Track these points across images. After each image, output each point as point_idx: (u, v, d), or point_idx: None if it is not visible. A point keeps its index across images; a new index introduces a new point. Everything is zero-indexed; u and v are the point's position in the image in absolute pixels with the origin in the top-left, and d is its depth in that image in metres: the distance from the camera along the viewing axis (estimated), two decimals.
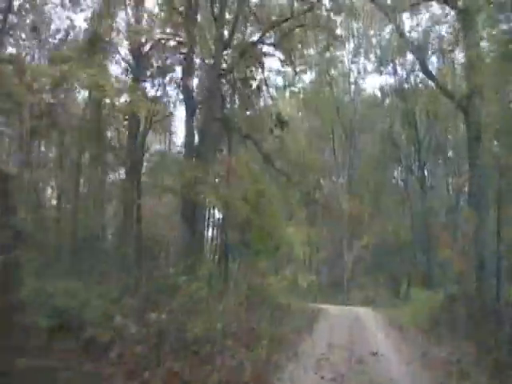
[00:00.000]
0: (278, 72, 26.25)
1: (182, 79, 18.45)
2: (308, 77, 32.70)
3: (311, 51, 26.94)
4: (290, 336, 10.08)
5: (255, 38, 19.17)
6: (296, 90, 36.04)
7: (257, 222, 17.41)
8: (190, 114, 17.46)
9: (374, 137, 36.94)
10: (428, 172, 35.30)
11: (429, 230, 30.58)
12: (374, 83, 59.16)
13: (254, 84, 21.80)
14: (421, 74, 33.77)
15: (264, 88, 21.94)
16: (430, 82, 32.93)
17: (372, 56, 35.80)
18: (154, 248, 21.01)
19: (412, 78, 33.76)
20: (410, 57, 30.00)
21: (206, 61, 19.40)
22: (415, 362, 8.21)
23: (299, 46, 20.55)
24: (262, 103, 23.46)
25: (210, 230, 31.24)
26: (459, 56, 24.52)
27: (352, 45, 36.09)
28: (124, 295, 8.13)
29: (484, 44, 14.93)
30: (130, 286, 8.91)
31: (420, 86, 33.67)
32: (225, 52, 18.11)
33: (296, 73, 22.89)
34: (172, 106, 25.57)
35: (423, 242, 30.95)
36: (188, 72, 17.66)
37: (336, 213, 21.35)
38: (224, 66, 18.39)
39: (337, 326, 13.33)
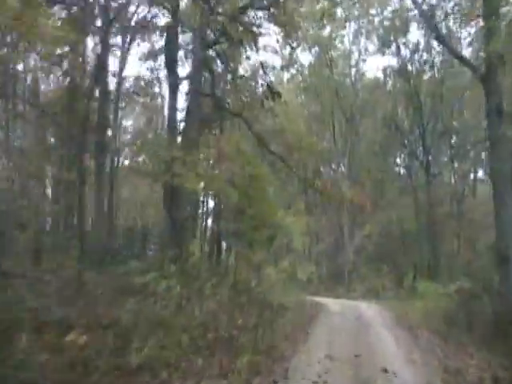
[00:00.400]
0: (275, 51, 24.45)
1: (164, 50, 16.65)
2: (307, 59, 31.02)
3: (308, 25, 25.13)
4: (281, 345, 8.29)
5: None
6: (294, 71, 34.44)
7: (249, 210, 15.68)
8: (173, 89, 15.69)
9: (376, 121, 35.15)
10: (433, 158, 33.47)
11: (434, 218, 28.99)
12: (375, 65, 57.05)
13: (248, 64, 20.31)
14: (425, 54, 32.41)
15: (260, 68, 20.28)
16: (436, 60, 31.59)
17: (374, 36, 33.85)
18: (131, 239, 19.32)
19: (416, 58, 32.13)
20: (413, 37, 28.16)
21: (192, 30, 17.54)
22: (437, 381, 6.47)
23: (295, 16, 18.76)
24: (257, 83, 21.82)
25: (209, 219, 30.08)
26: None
27: (353, 25, 34.34)
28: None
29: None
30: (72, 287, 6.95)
31: (425, 66, 32.11)
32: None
33: (292, 48, 21.03)
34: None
35: (428, 230, 29.33)
36: (171, 42, 15.88)
37: (337, 197, 19.58)
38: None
39: (337, 329, 11.57)
